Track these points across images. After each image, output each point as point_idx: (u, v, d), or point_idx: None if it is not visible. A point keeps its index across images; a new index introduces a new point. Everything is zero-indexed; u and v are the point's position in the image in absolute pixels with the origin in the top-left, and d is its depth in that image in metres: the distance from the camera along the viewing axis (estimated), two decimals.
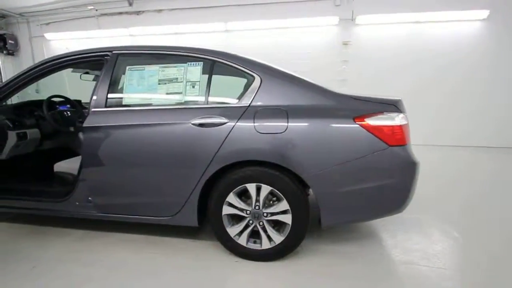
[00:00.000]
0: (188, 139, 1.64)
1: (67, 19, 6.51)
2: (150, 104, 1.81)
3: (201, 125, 1.62)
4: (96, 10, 6.18)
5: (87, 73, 2.63)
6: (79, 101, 2.80)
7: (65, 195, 1.92)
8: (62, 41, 6.71)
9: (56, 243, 1.94)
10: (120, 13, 6.28)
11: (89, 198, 1.88)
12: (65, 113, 2.43)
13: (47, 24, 6.72)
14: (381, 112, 1.56)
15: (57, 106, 2.58)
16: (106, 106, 1.79)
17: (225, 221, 1.70)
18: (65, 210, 1.93)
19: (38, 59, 6.97)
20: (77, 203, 1.90)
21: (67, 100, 2.59)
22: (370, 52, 5.44)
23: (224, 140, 1.59)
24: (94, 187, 1.83)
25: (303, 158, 1.54)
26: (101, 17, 6.43)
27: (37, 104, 2.42)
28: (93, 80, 2.75)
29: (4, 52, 6.73)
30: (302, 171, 1.54)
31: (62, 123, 2.35)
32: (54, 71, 2.06)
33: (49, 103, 2.30)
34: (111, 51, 1.89)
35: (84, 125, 1.76)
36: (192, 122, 1.63)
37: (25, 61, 6.98)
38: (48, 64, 1.99)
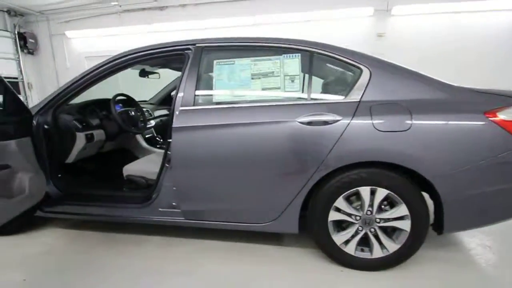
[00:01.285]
0: (294, 139, 1.49)
1: (88, 16, 6.35)
2: (244, 101, 1.66)
3: (309, 123, 1.47)
4: (120, 6, 6.00)
5: (146, 72, 2.49)
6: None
7: (146, 200, 1.78)
8: (84, 39, 6.56)
9: (136, 251, 1.82)
10: (143, 9, 6.11)
11: (173, 203, 1.75)
12: (129, 113, 2.29)
13: (67, 21, 6.56)
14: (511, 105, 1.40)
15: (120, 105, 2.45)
16: (194, 105, 1.64)
17: (331, 227, 1.56)
18: (147, 217, 1.80)
19: (58, 57, 6.83)
20: (160, 209, 1.77)
21: (128, 99, 2.44)
22: (406, 44, 5.24)
23: (338, 139, 1.44)
24: (182, 192, 1.69)
25: (431, 158, 1.38)
26: (124, 13, 6.26)
27: (99, 103, 2.29)
28: (142, 75, 2.60)
29: (25, 51, 6.59)
30: (430, 173, 1.39)
31: (128, 123, 2.21)
32: (125, 68, 1.90)
33: (115, 102, 2.16)
34: (193, 45, 1.74)
35: (174, 125, 1.61)
36: (299, 120, 1.48)
37: (44, 60, 6.85)
38: (119, 60, 1.84)
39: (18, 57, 6.52)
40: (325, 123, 1.46)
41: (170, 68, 2.72)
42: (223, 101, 1.68)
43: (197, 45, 1.74)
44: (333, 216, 1.53)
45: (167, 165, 1.74)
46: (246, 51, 1.73)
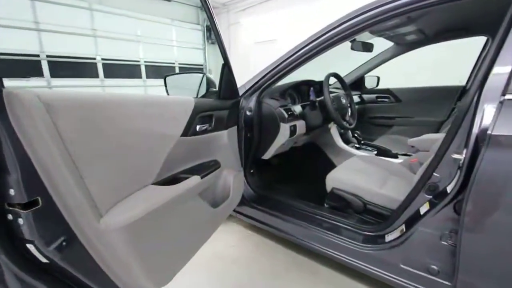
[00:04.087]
0: None
1: (261, 1, 6.48)
2: None
3: None
4: None
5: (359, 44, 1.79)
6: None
7: (373, 241, 1.12)
8: (255, 26, 6.81)
9: None
10: None
11: (433, 266, 0.99)
12: (341, 100, 1.69)
13: (244, 10, 6.99)
14: None
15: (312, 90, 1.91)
16: None
17: None
18: (368, 266, 1.13)
19: (233, 44, 7.51)
20: (403, 266, 1.05)
21: (340, 82, 1.81)
22: None
23: None
24: (476, 259, 0.89)
25: None
26: None
27: (298, 86, 1.80)
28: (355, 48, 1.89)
29: (209, 41, 7.59)
30: None
31: (340, 115, 1.61)
32: (351, 36, 1.23)
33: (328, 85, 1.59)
34: None
35: (494, 132, 0.81)
36: None
37: None
38: (349, 24, 1.17)
39: (204, 47, 7.65)
40: None
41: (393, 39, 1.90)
42: None
43: None
44: None
45: (427, 195, 0.99)
46: None
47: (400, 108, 2.52)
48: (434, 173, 1.01)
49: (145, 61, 6.25)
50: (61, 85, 4.79)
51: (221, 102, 1.20)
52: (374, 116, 2.67)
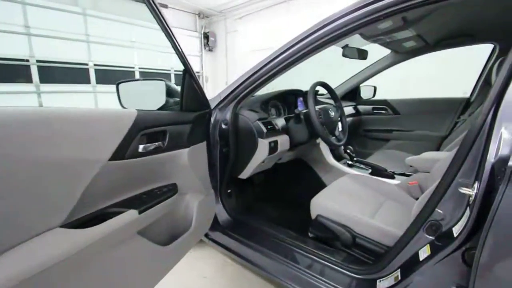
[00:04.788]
0: None
1: (258, 9, 6.39)
2: None
3: None
4: None
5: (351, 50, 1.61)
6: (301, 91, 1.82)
7: (365, 281, 0.91)
8: (252, 34, 6.71)
9: None
10: None
11: None
12: (329, 113, 1.50)
13: (241, 18, 6.90)
14: None
15: (301, 100, 1.72)
16: None
17: None
18: None
19: (230, 52, 7.40)
20: None
21: (328, 91, 1.61)
22: None
23: None
24: None
25: None
26: (291, 1, 5.87)
27: (281, 97, 1.62)
28: (347, 54, 1.71)
29: (206, 48, 7.49)
30: None
31: (328, 130, 1.42)
32: (345, 36, 1.05)
33: (313, 95, 1.39)
34: None
35: None
36: None
37: (219, 55, 7.59)
38: (344, 20, 0.99)
39: (201, 54, 7.53)
40: None
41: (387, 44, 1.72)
42: None
43: None
44: None
45: (428, 235, 0.79)
46: None
47: (398, 120, 2.33)
48: (437, 209, 0.81)
49: (139, 68, 6.12)
50: None
51: (182, 114, 1.01)
52: (370, 129, 2.47)
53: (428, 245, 0.82)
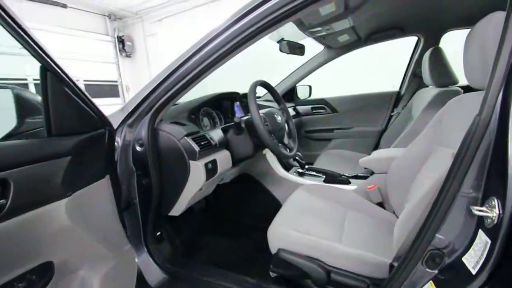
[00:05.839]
0: None
1: (180, 11, 5.93)
2: None
3: None
4: None
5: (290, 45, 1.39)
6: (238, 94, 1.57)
7: None
8: (175, 37, 6.19)
9: None
10: None
11: None
12: (276, 117, 1.22)
13: (160, 20, 6.31)
14: None
15: (238, 105, 1.44)
16: None
17: None
18: None
19: (152, 58, 6.69)
20: None
21: (271, 92, 1.33)
22: None
23: None
24: None
25: None
26: (212, 4, 5.61)
27: (215, 102, 1.30)
28: (284, 49, 1.51)
29: (123, 54, 6.63)
30: None
31: (276, 139, 1.15)
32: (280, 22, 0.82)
33: (254, 98, 1.10)
34: None
35: None
36: None
37: (140, 62, 6.80)
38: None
39: (118, 61, 6.61)
40: None
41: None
42: None
43: None
44: None
45: (429, 269, 0.60)
46: None
47: (337, 119, 2.27)
48: (438, 235, 0.61)
49: (34, 79, 4.95)
50: None
51: (49, 143, 0.59)
52: (311, 129, 2.36)
53: (431, 283, 0.63)
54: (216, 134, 1.11)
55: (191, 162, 0.95)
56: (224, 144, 1.13)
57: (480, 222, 0.55)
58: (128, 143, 0.96)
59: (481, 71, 0.75)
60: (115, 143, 0.95)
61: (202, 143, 0.99)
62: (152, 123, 0.95)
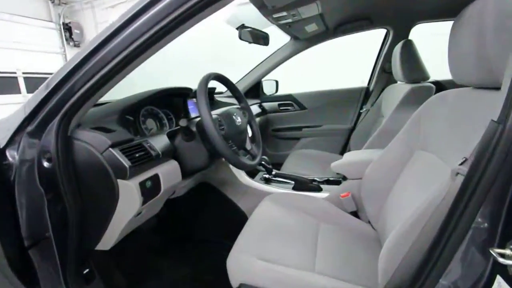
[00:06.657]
0: None
1: None
2: None
3: None
4: None
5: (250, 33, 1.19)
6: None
7: None
8: None
9: None
10: None
11: None
12: (234, 118, 1.01)
13: (113, 7, 5.71)
14: None
15: (194, 102, 1.20)
16: None
17: None
18: None
19: None
20: None
21: (228, 86, 1.10)
22: None
23: None
24: None
25: None
26: None
27: (159, 100, 1.06)
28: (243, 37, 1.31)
29: (71, 43, 5.91)
30: None
31: (236, 147, 0.95)
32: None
33: (205, 93, 0.88)
34: None
35: None
36: None
37: None
38: None
39: (64, 50, 5.87)
40: None
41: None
42: None
43: None
44: None
45: None
46: None
47: (305, 116, 2.13)
48: (442, 281, 0.46)
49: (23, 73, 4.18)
50: None
51: None
52: (279, 128, 2.20)
53: None
54: (160, 141, 0.87)
55: (120, 182, 0.71)
56: (171, 153, 0.90)
57: (499, 266, 0.41)
58: (30, 158, 0.70)
59: (474, 64, 0.62)
60: (7, 161, 0.68)
61: (137, 155, 0.75)
62: (63, 129, 0.69)
